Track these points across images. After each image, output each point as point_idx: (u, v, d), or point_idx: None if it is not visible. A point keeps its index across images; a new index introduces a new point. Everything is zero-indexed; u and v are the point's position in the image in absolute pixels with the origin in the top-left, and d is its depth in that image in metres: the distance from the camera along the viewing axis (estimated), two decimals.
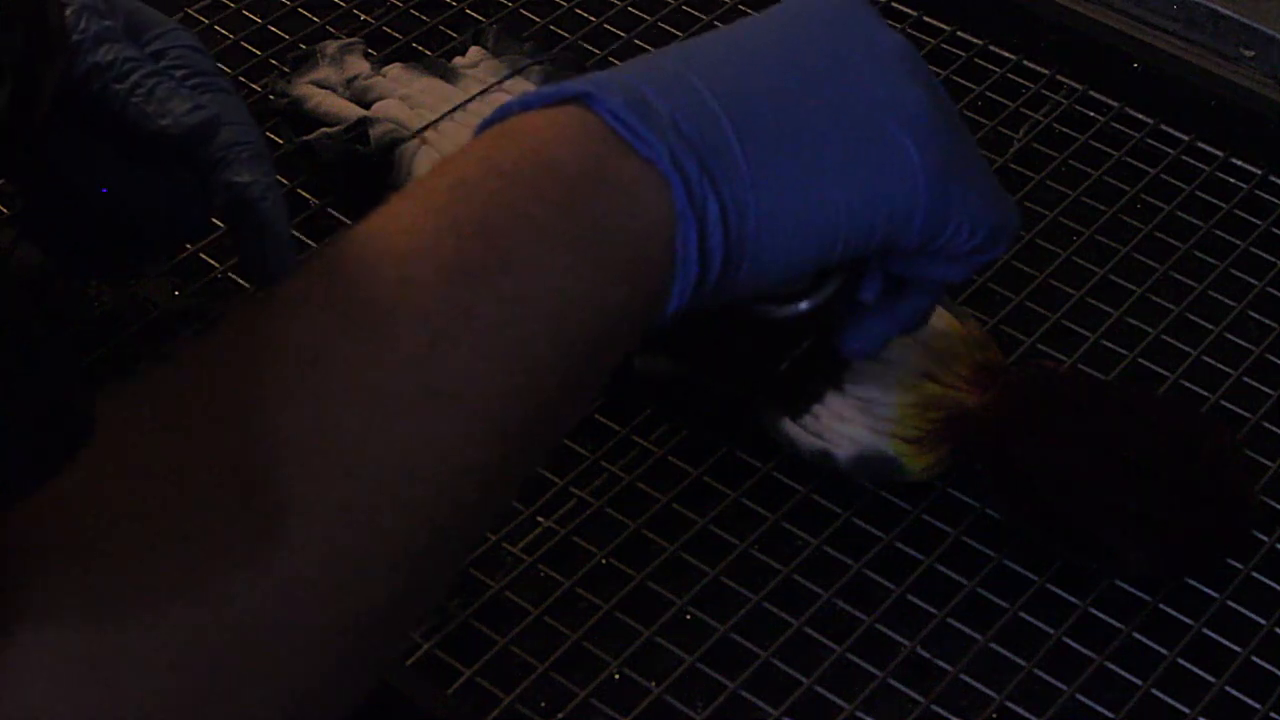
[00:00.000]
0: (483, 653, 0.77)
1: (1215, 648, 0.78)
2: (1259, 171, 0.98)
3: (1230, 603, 0.80)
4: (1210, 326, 0.91)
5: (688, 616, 0.79)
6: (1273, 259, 0.94)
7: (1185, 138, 0.99)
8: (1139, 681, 0.77)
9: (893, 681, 0.77)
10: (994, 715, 0.76)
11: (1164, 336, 0.90)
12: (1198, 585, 0.80)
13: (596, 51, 1.03)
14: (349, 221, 0.93)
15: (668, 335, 0.67)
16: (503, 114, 0.65)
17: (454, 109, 0.93)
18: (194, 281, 0.90)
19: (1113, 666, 0.78)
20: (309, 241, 0.92)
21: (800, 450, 0.82)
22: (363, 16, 1.04)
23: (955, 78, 1.02)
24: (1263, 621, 0.79)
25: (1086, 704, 0.76)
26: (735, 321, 0.74)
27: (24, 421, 0.48)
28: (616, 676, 0.77)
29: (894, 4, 1.06)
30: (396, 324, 0.58)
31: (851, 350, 0.76)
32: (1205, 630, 0.79)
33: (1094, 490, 0.78)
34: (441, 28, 1.04)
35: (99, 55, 0.79)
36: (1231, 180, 0.98)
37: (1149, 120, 1.00)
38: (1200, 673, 0.77)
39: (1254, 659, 0.78)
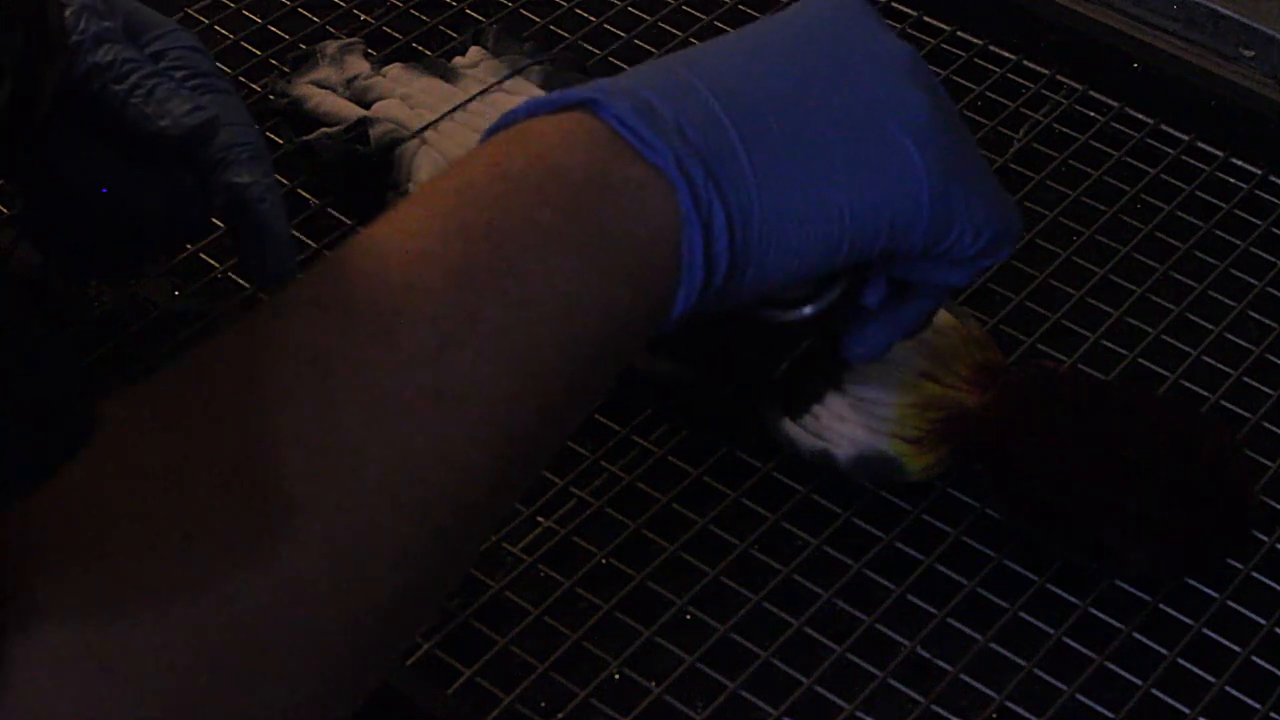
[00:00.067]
0: (483, 653, 0.77)
1: (1215, 648, 0.78)
2: (1259, 171, 0.98)
3: (1230, 603, 0.80)
4: (1210, 326, 0.91)
5: (688, 616, 0.79)
6: (1273, 259, 0.94)
7: (1185, 138, 0.99)
8: (1139, 681, 0.77)
9: (893, 681, 0.77)
10: (994, 715, 0.76)
11: (1164, 336, 0.90)
12: (1198, 585, 0.80)
13: (596, 51, 1.03)
14: (349, 221, 0.93)
15: (670, 337, 0.67)
16: (509, 120, 0.65)
17: (454, 109, 0.93)
18: (194, 281, 0.90)
19: (1113, 666, 0.78)
20: (309, 241, 0.92)
21: (800, 450, 0.82)
22: (363, 16, 1.04)
23: (955, 78, 1.02)
24: (1263, 621, 0.79)
25: (1086, 704, 0.76)
26: (738, 326, 0.74)
27: (24, 421, 0.48)
28: (616, 676, 0.77)
29: (894, 4, 1.06)
30: (401, 327, 0.57)
31: (855, 355, 0.76)
32: (1205, 630, 0.79)
33: (1094, 490, 0.78)
34: (441, 28, 1.04)
35: (98, 56, 0.79)
36: (1231, 180, 0.98)
37: (1149, 120, 1.00)
38: (1200, 673, 0.78)
39: (1254, 659, 0.78)
